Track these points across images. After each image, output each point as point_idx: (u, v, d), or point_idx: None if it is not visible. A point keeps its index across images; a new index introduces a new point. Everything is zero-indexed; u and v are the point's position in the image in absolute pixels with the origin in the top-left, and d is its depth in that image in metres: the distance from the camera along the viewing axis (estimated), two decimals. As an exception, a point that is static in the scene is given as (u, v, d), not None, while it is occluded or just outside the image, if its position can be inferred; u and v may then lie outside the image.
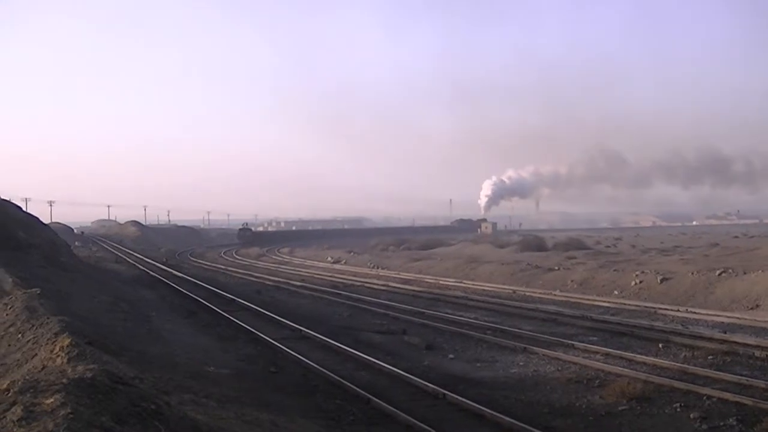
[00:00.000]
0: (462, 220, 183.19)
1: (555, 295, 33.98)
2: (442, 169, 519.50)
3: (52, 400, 7.69)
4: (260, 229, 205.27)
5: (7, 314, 19.55)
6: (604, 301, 30.83)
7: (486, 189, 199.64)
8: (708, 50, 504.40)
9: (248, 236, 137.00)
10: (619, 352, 19.33)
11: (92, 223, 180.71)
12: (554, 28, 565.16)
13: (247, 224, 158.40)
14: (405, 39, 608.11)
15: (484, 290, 38.06)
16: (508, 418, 12.89)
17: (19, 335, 16.11)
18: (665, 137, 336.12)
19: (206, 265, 70.49)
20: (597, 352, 19.48)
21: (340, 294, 37.45)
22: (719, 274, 31.50)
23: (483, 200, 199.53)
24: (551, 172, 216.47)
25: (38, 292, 22.52)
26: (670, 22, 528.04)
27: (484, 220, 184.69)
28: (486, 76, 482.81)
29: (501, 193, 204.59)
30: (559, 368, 18.06)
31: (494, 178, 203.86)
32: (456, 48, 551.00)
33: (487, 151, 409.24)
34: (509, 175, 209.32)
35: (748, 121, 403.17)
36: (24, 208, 66.64)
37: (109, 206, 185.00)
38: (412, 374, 16.97)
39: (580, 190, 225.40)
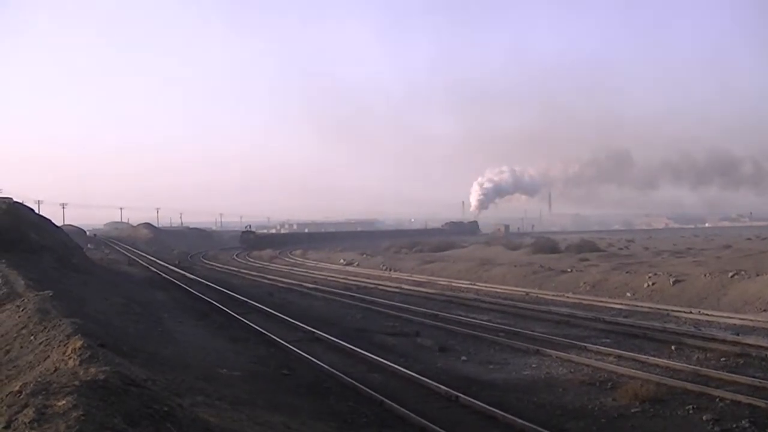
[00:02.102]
0: (453, 223, 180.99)
1: (568, 297, 33.87)
2: (451, 170, 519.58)
3: (64, 402, 7.71)
4: (273, 231, 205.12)
5: (19, 316, 19.58)
6: (617, 303, 30.70)
7: (479, 187, 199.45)
8: (713, 49, 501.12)
9: (251, 240, 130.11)
10: (631, 354, 19.26)
11: (105, 225, 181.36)
12: (551, 29, 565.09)
13: (250, 227, 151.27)
14: (403, 44, 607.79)
15: (496, 292, 37.95)
16: (520, 420, 12.88)
17: (32, 337, 16.14)
18: (669, 139, 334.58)
19: (218, 267, 70.64)
20: (610, 354, 19.41)
21: (353, 296, 37.43)
22: (732, 276, 31.35)
23: (476, 197, 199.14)
24: (558, 170, 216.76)
25: (50, 294, 22.56)
26: (673, 21, 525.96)
27: (476, 222, 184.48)
28: (483, 79, 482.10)
29: (502, 190, 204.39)
30: (572, 370, 18.03)
31: (487, 176, 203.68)
32: (452, 52, 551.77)
33: (491, 153, 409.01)
34: (517, 170, 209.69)
35: (755, 122, 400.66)
36: (36, 211, 67.00)
37: (121, 208, 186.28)
38: (424, 376, 16.97)
39: (586, 190, 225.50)
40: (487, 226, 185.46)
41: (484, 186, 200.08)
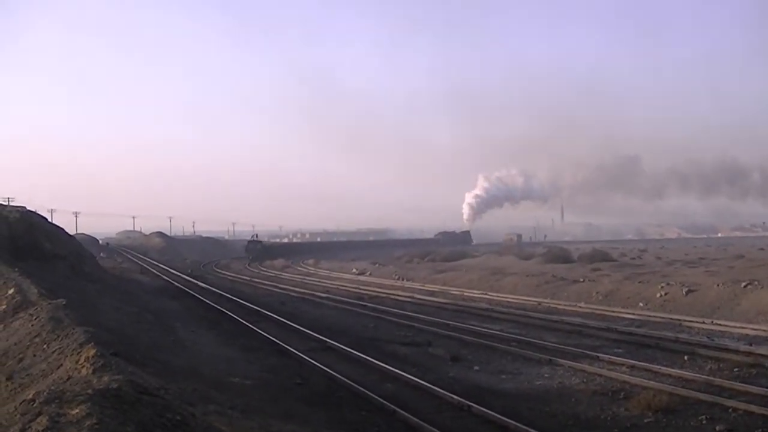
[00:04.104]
0: (445, 233, 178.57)
1: (580, 307, 33.78)
2: (460, 179, 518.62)
3: (77, 410, 7.73)
4: (285, 240, 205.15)
5: (32, 324, 19.64)
6: (630, 313, 30.60)
7: (470, 198, 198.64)
8: (711, 57, 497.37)
9: (258, 250, 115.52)
10: (644, 364, 19.20)
11: (117, 234, 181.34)
12: (549, 37, 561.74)
13: (256, 235, 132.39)
14: (404, 53, 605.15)
15: (509, 302, 37.89)
16: (533, 430, 12.85)
17: (45, 346, 16.20)
18: (671, 148, 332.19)
19: (231, 276, 70.77)
20: (622, 364, 19.36)
21: (365, 305, 37.46)
22: (745, 286, 31.21)
23: (468, 206, 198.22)
24: (564, 178, 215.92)
25: (63, 302, 22.61)
26: (671, 28, 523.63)
27: (468, 232, 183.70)
28: (484, 87, 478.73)
29: (511, 195, 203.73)
30: (585, 380, 17.99)
31: (484, 183, 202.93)
32: (452, 61, 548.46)
33: (495, 162, 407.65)
34: (528, 171, 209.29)
35: (759, 130, 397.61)
36: (49, 219, 67.06)
37: (134, 217, 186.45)
38: (437, 386, 16.93)
39: (593, 199, 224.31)
40: (483, 236, 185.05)
41: (491, 184, 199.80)
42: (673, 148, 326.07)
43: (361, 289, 50.38)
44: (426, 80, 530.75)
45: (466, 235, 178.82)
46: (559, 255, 69.99)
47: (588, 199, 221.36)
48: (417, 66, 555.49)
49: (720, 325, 26.23)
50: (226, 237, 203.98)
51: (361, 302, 39.38)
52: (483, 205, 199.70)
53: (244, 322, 29.90)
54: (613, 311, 31.59)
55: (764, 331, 24.33)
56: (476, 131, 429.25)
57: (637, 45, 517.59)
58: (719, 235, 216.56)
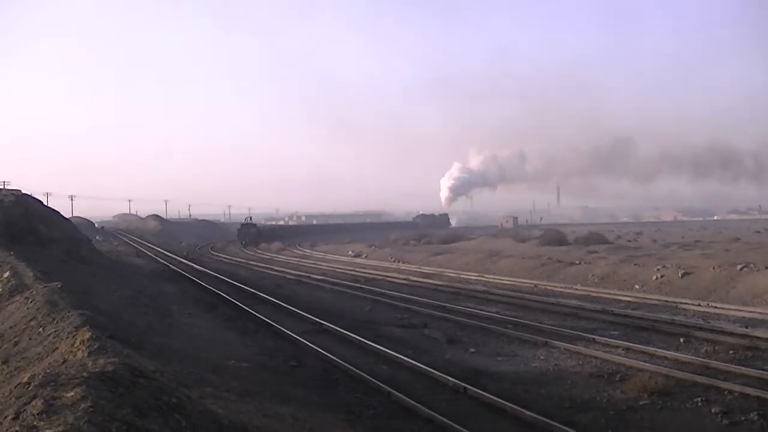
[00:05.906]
0: (424, 216, 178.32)
1: (576, 289, 33.80)
2: (450, 164, 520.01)
3: (72, 393, 7.70)
4: (281, 222, 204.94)
5: (27, 308, 19.57)
6: (626, 296, 30.61)
7: (447, 181, 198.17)
8: (701, 47, 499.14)
9: (252, 234, 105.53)
10: (640, 346, 19.26)
11: (113, 217, 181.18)
12: (534, 26, 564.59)
13: (250, 218, 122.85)
14: (395, 44, 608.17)
15: (505, 284, 37.89)
16: (528, 412, 12.88)
17: (40, 329, 16.13)
18: (662, 135, 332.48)
19: (227, 259, 70.68)
20: (618, 347, 19.41)
21: (362, 288, 37.45)
22: (741, 269, 31.27)
23: (446, 187, 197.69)
24: (556, 161, 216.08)
25: (59, 286, 22.51)
26: (660, 18, 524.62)
27: (446, 215, 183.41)
28: (470, 75, 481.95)
29: (472, 182, 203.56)
30: (580, 362, 18.03)
31: (459, 166, 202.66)
32: (440, 51, 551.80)
33: (487, 146, 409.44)
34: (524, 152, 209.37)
35: (757, 117, 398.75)
36: (45, 203, 66.92)
37: (130, 200, 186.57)
38: (433, 368, 16.97)
39: (585, 182, 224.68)
40: (479, 218, 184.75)
41: (485, 158, 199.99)
42: (661, 134, 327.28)
43: (357, 271, 50.31)
44: (416, 68, 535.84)
45: (444, 217, 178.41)
46: (555, 237, 70.04)
47: (581, 182, 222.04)
48: (408, 54, 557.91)
49: (716, 307, 26.27)
50: (222, 220, 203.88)
51: (357, 285, 39.36)
52: (477, 180, 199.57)
53: (240, 305, 29.86)
54: (609, 294, 31.62)
55: (760, 313, 24.39)
56: (467, 117, 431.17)
57: (622, 34, 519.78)
58: (715, 218, 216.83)
